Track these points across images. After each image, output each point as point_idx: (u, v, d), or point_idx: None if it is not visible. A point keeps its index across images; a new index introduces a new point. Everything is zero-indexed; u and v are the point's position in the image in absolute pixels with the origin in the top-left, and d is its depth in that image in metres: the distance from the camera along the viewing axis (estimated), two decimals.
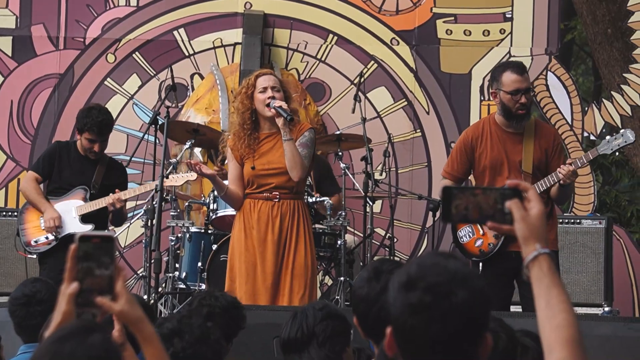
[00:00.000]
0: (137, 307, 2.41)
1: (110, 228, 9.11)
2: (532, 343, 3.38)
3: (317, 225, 7.70)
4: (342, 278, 7.70)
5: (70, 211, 7.48)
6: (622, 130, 6.61)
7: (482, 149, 6.61)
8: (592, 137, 9.37)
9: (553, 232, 6.58)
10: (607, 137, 6.62)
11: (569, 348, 2.39)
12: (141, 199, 8.33)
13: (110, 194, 7.38)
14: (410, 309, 2.28)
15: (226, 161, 6.78)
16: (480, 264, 6.64)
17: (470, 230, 6.60)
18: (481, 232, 6.57)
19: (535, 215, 2.47)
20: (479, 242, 6.59)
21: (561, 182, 6.39)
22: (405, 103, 9.65)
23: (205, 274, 7.70)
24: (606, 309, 8.02)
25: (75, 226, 7.42)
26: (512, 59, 9.40)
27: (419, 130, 9.63)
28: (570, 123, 9.53)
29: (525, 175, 6.54)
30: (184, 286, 7.82)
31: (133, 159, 8.06)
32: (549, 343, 2.41)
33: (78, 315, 2.42)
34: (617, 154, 9.95)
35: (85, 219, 7.46)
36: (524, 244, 2.46)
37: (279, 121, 6.42)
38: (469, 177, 6.94)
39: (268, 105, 6.47)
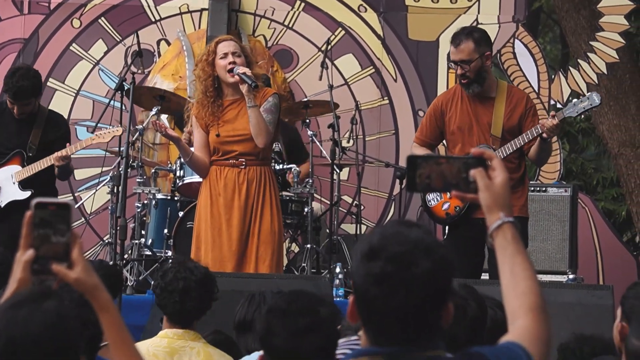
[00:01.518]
0: (93, 275, 2.39)
1: (76, 195, 9.05)
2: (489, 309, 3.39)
3: (284, 193, 7.69)
4: (308, 245, 7.70)
5: (10, 178, 7.32)
6: (588, 94, 6.62)
7: (452, 113, 6.61)
8: (558, 105, 9.37)
9: (523, 198, 6.57)
10: (574, 100, 6.63)
11: (533, 315, 2.39)
12: (107, 165, 8.27)
13: (51, 155, 7.18)
14: (372, 279, 2.27)
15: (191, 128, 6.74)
16: (447, 228, 6.65)
17: (438, 194, 6.60)
18: (448, 195, 6.56)
19: (500, 184, 2.46)
20: (445, 206, 6.59)
21: (544, 134, 6.34)
22: (373, 70, 9.62)
23: (172, 240, 7.68)
24: (570, 276, 8.05)
25: (14, 193, 7.26)
26: (479, 26, 9.38)
27: (386, 98, 9.61)
28: (537, 91, 9.53)
29: (493, 139, 6.53)
30: (150, 253, 7.79)
31: (99, 125, 7.98)
32: (513, 310, 2.41)
33: (40, 283, 2.40)
34: (582, 118, 9.96)
35: (25, 184, 7.31)
36: (488, 213, 2.45)
37: (243, 88, 6.38)
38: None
39: (230, 71, 6.42)
